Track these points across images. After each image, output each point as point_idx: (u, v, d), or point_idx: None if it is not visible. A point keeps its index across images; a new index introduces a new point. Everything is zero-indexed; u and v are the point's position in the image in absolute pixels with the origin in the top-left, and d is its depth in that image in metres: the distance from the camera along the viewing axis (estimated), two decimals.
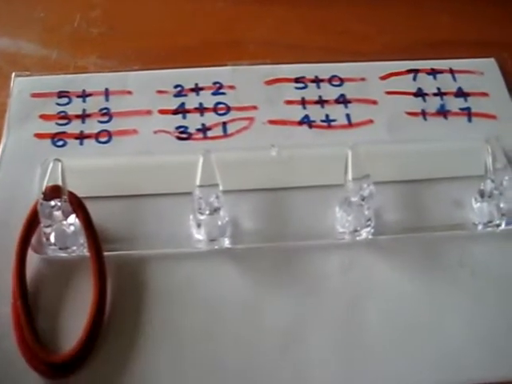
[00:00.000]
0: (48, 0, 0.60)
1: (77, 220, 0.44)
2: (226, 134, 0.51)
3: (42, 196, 0.42)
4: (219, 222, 0.44)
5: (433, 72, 0.55)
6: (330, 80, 0.55)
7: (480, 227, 0.47)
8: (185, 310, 0.43)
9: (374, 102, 0.53)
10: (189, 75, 0.54)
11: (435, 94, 0.54)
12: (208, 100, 0.53)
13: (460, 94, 0.54)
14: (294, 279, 0.45)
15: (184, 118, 0.52)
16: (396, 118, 0.52)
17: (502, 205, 0.46)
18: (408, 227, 0.47)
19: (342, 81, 0.54)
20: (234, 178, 0.46)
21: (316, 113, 0.52)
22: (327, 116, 0.52)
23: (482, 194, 0.47)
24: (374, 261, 0.46)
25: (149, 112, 0.52)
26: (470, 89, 0.55)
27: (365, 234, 0.46)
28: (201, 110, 0.52)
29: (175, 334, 0.42)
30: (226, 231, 0.45)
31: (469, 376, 0.42)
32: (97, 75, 0.54)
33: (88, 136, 0.51)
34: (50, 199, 0.42)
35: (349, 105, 0.53)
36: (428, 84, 0.55)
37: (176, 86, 0.53)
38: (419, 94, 0.54)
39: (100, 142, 0.50)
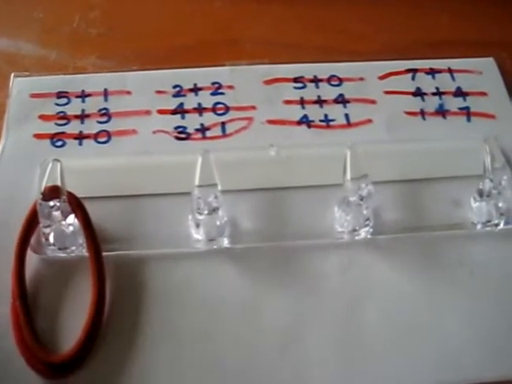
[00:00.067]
0: (47, 0, 0.60)
1: (76, 220, 0.44)
2: (224, 134, 0.51)
3: (41, 196, 0.42)
4: (218, 222, 0.45)
5: (431, 71, 0.55)
6: (328, 80, 0.55)
7: (479, 227, 0.47)
8: (183, 310, 0.43)
9: (373, 102, 0.53)
10: (187, 75, 0.54)
11: (434, 94, 0.54)
12: (207, 100, 0.53)
13: (459, 93, 0.54)
14: (293, 279, 0.45)
15: (183, 118, 0.52)
16: (395, 118, 0.52)
17: (500, 204, 0.46)
18: (407, 227, 0.47)
19: (340, 80, 0.54)
20: (232, 177, 0.46)
21: (315, 112, 0.52)
22: (326, 116, 0.52)
23: (480, 194, 0.47)
24: (373, 260, 0.46)
25: (148, 112, 0.52)
26: (469, 88, 0.55)
27: (364, 233, 0.46)
28: (199, 110, 0.52)
29: (174, 333, 0.42)
30: (224, 231, 0.45)
31: (468, 375, 0.42)
32: (96, 75, 0.54)
33: (87, 136, 0.51)
34: (49, 199, 0.43)
35: (347, 104, 0.53)
36: (427, 83, 0.55)
37: (175, 86, 0.53)
38: (418, 93, 0.54)
39: (99, 142, 0.50)
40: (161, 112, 0.52)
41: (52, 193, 0.43)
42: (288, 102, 0.53)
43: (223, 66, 0.55)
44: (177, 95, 0.53)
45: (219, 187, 0.43)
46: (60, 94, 0.53)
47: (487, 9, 0.60)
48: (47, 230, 0.44)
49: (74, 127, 0.51)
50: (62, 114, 0.52)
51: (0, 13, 0.59)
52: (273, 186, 0.48)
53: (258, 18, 0.59)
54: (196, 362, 0.41)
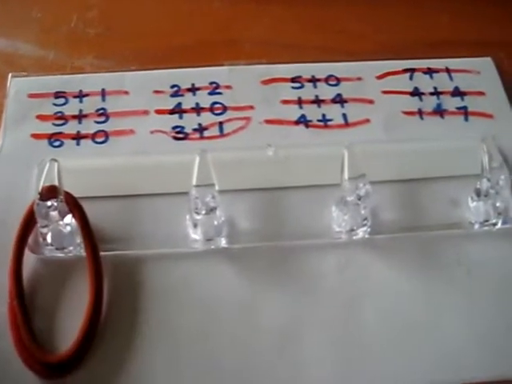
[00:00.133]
0: (45, 0, 0.60)
1: (73, 220, 0.44)
2: (222, 134, 0.51)
3: (38, 196, 0.42)
4: (215, 222, 0.44)
5: (429, 71, 0.55)
6: (326, 79, 0.54)
7: (476, 226, 0.47)
8: (181, 309, 0.43)
9: (371, 102, 0.53)
10: (185, 75, 0.54)
11: (432, 94, 0.54)
12: (204, 100, 0.53)
13: (456, 93, 0.54)
14: (290, 279, 0.45)
15: (181, 117, 0.52)
16: (392, 118, 0.52)
17: (498, 204, 0.46)
18: (405, 226, 0.47)
19: (338, 80, 0.54)
20: (230, 177, 0.47)
21: (312, 112, 0.52)
22: (324, 116, 0.52)
23: (478, 193, 0.47)
24: (370, 260, 0.46)
25: (145, 112, 0.52)
26: (467, 88, 0.55)
27: (361, 233, 0.46)
28: (197, 109, 0.52)
29: (171, 333, 0.42)
30: (222, 231, 0.45)
31: (466, 375, 0.42)
32: (93, 75, 0.54)
33: (85, 136, 0.51)
34: (47, 199, 0.43)
35: (345, 104, 0.53)
36: (424, 83, 0.55)
37: (173, 86, 0.53)
38: (416, 93, 0.54)
39: (97, 143, 0.50)
40: (158, 112, 0.52)
41: (49, 193, 0.43)
42: (286, 102, 0.53)
43: (221, 65, 0.55)
44: (175, 95, 0.53)
45: (217, 187, 0.43)
46: (58, 94, 0.53)
47: (485, 9, 0.60)
48: (45, 230, 0.44)
49: (71, 127, 0.51)
50: (59, 114, 0.52)
51: None
52: (270, 185, 0.48)
53: (256, 18, 0.59)
54: (193, 361, 0.42)
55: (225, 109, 0.52)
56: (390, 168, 0.49)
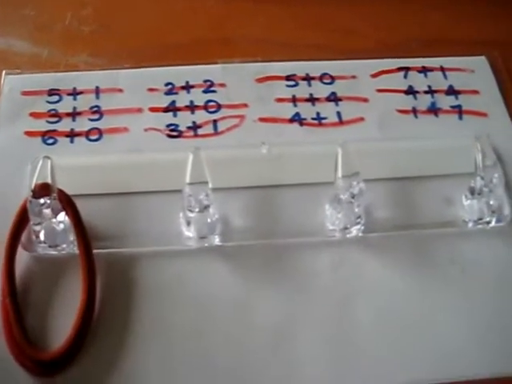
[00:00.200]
0: None
1: (66, 218, 0.44)
2: (216, 132, 0.51)
3: (31, 194, 0.42)
4: (209, 220, 0.44)
5: (424, 70, 0.55)
6: (320, 78, 0.54)
7: (470, 224, 0.47)
8: (175, 307, 0.43)
9: (365, 100, 0.53)
10: (180, 73, 0.54)
11: (426, 92, 0.54)
12: (199, 98, 0.53)
13: (451, 91, 0.54)
14: (284, 277, 0.45)
15: (175, 115, 0.52)
16: (387, 116, 0.52)
17: (491, 202, 0.46)
18: (399, 224, 0.47)
19: (332, 79, 0.54)
20: (224, 175, 0.46)
21: (307, 110, 0.52)
22: (318, 114, 0.52)
23: (472, 192, 0.47)
24: (364, 258, 0.46)
25: (139, 110, 0.52)
26: (461, 86, 0.55)
27: (355, 231, 0.46)
28: (191, 107, 0.52)
29: (165, 331, 0.42)
30: (215, 229, 0.45)
31: (460, 372, 0.42)
32: (88, 73, 0.54)
33: (78, 134, 0.50)
34: (40, 197, 0.42)
35: (340, 102, 0.53)
36: (419, 82, 0.55)
37: (167, 84, 0.53)
38: (410, 91, 0.54)
39: (90, 140, 0.50)
40: (153, 110, 0.52)
41: (42, 190, 0.43)
42: (280, 100, 0.53)
43: (215, 63, 0.55)
44: (169, 93, 0.53)
45: (210, 185, 0.43)
46: (51, 92, 0.53)
47: (479, 7, 0.60)
48: (38, 228, 0.44)
49: (65, 125, 0.51)
50: (53, 112, 0.51)
51: None
52: (264, 183, 0.48)
53: (250, 17, 0.59)
54: (187, 359, 0.41)
55: (219, 107, 0.52)
56: (383, 166, 0.49)
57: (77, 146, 0.50)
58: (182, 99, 0.53)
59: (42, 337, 0.41)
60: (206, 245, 0.45)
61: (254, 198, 0.47)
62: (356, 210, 0.45)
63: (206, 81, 0.54)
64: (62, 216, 0.44)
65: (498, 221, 0.47)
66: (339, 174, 0.44)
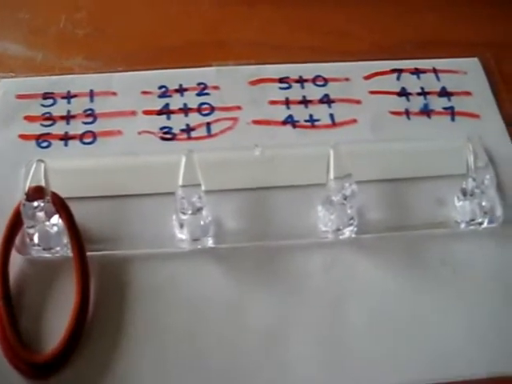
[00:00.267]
0: (33, 2, 0.60)
1: (60, 220, 0.44)
2: (210, 135, 0.51)
3: (24, 197, 0.42)
4: (202, 222, 0.45)
5: (416, 72, 0.56)
6: (314, 80, 0.55)
7: (463, 225, 0.47)
8: (168, 309, 0.43)
9: (358, 102, 0.53)
10: (173, 76, 0.54)
11: (419, 94, 0.54)
12: (192, 100, 0.53)
13: (443, 93, 0.54)
14: (277, 278, 0.45)
15: (168, 118, 0.52)
16: (380, 118, 0.53)
17: (483, 203, 0.46)
18: (391, 226, 0.47)
19: (325, 81, 0.55)
20: (217, 177, 0.47)
21: (300, 113, 0.53)
22: (311, 116, 0.52)
23: (464, 193, 0.47)
24: (356, 259, 0.46)
25: (133, 113, 0.52)
26: (454, 88, 0.55)
27: (348, 232, 0.46)
28: (185, 110, 0.52)
29: (158, 333, 0.42)
30: (208, 231, 0.45)
31: (452, 373, 0.42)
32: (82, 76, 0.54)
33: (72, 137, 0.51)
34: (33, 200, 0.43)
35: (332, 104, 0.53)
36: (412, 83, 0.55)
37: (160, 87, 0.54)
38: (403, 93, 0.54)
39: (84, 143, 0.50)
40: (146, 113, 0.52)
41: (36, 193, 0.43)
42: (273, 103, 0.53)
43: (209, 66, 0.55)
44: (162, 96, 0.53)
45: (203, 187, 0.43)
46: (46, 95, 0.53)
47: (472, 9, 0.60)
48: (31, 231, 0.44)
49: (59, 128, 0.51)
50: (47, 115, 0.52)
51: None
52: (257, 185, 0.48)
53: (244, 20, 0.59)
54: (180, 361, 0.42)
55: (212, 109, 0.53)
56: (376, 168, 0.49)
57: (71, 149, 0.50)
58: (176, 102, 0.53)
59: (36, 339, 0.41)
60: (199, 247, 0.45)
61: (246, 200, 0.48)
62: (348, 211, 0.45)
63: (199, 83, 0.54)
64: (56, 219, 0.44)
65: (490, 222, 0.47)
66: (331, 175, 0.44)
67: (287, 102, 0.53)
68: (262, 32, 0.58)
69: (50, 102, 0.52)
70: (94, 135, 0.51)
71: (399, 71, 0.56)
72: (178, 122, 0.52)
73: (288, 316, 0.43)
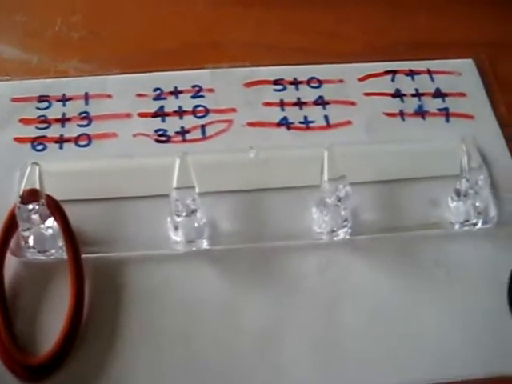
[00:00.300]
0: (29, 5, 0.60)
1: (55, 223, 0.44)
2: (204, 137, 0.51)
3: (19, 200, 0.43)
4: (196, 224, 0.45)
5: (411, 73, 0.56)
6: (308, 82, 0.55)
7: (457, 226, 0.47)
8: (163, 311, 0.43)
9: (353, 104, 0.54)
10: (168, 78, 0.54)
11: (413, 95, 0.54)
12: (187, 103, 0.53)
13: (438, 94, 0.55)
14: (271, 280, 0.45)
15: (163, 121, 0.52)
16: (374, 119, 0.53)
17: (477, 204, 0.47)
18: (385, 227, 0.47)
19: (320, 82, 0.55)
20: (212, 179, 0.47)
21: (294, 114, 0.53)
22: (305, 117, 0.53)
23: (458, 194, 0.47)
24: (351, 261, 0.46)
25: (128, 115, 0.52)
26: (448, 89, 0.55)
27: (342, 234, 0.46)
28: (180, 113, 0.53)
29: (153, 335, 0.42)
30: (203, 233, 0.45)
31: (447, 373, 0.42)
32: (77, 79, 0.54)
33: (68, 140, 0.51)
34: (28, 203, 0.43)
35: (327, 106, 0.53)
36: (406, 85, 0.55)
37: (155, 90, 0.54)
38: (397, 94, 0.54)
39: (79, 146, 0.51)
40: (141, 115, 0.52)
41: (30, 196, 0.43)
42: (268, 105, 0.53)
43: (204, 69, 0.55)
44: (157, 98, 0.53)
45: (197, 189, 0.43)
46: (41, 98, 0.53)
47: (467, 10, 0.61)
48: (26, 234, 0.44)
49: (54, 131, 0.51)
50: (42, 118, 0.52)
51: None
52: (252, 187, 0.48)
53: (239, 21, 0.59)
54: (175, 363, 0.42)
55: (207, 112, 0.53)
56: (370, 169, 0.49)
57: (66, 151, 0.50)
58: (171, 104, 0.53)
59: (31, 342, 0.42)
60: (194, 249, 0.46)
61: (241, 201, 0.48)
62: (342, 212, 0.45)
63: (194, 86, 0.54)
64: (51, 221, 0.44)
65: (484, 222, 0.47)
66: (325, 177, 0.44)
67: (282, 104, 0.53)
68: (256, 34, 0.58)
69: (45, 104, 0.53)
70: (89, 138, 0.51)
71: (393, 73, 0.56)
72: (172, 125, 0.52)
73: (283, 317, 0.43)
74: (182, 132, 0.51)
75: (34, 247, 0.44)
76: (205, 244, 0.46)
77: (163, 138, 0.51)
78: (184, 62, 0.55)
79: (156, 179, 0.47)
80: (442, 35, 0.59)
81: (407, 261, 0.46)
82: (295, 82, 0.55)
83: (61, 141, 0.51)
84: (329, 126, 0.52)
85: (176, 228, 0.45)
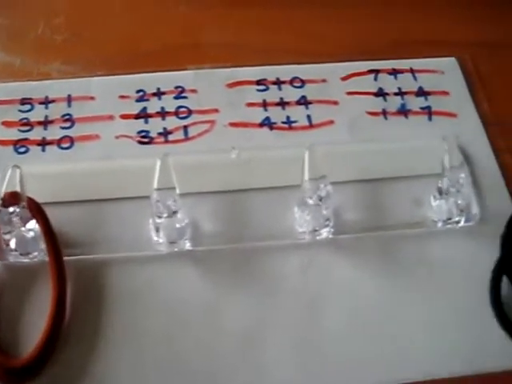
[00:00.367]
0: (12, 7, 0.60)
1: (37, 226, 0.44)
2: (187, 138, 0.51)
3: (0, 203, 0.43)
4: (178, 225, 0.45)
5: (394, 72, 0.56)
6: (291, 82, 0.55)
7: (439, 224, 0.47)
8: (146, 312, 0.43)
9: (335, 103, 0.54)
10: (151, 80, 0.54)
11: (396, 94, 0.55)
12: (170, 104, 0.53)
13: (421, 93, 0.55)
14: (254, 280, 0.45)
15: (146, 122, 0.52)
16: (357, 118, 0.53)
17: (459, 201, 0.47)
18: (368, 226, 0.47)
19: (303, 82, 0.55)
20: (194, 180, 0.47)
21: (277, 114, 0.53)
22: (288, 117, 0.53)
23: (440, 192, 0.47)
24: (334, 260, 0.46)
25: (111, 117, 0.52)
26: (431, 88, 0.55)
27: (325, 233, 0.46)
28: (162, 114, 0.52)
29: (136, 336, 0.42)
30: (185, 233, 0.45)
31: (430, 372, 0.42)
32: (60, 81, 0.54)
33: (50, 142, 0.51)
34: (9, 206, 0.43)
35: (310, 106, 0.53)
36: (389, 84, 0.55)
37: (138, 91, 0.54)
38: (380, 93, 0.54)
39: (62, 148, 0.50)
40: (124, 117, 0.52)
41: (11, 199, 0.43)
42: (250, 105, 0.53)
43: (187, 70, 0.55)
44: (140, 100, 0.53)
45: (178, 190, 0.43)
46: (24, 101, 0.53)
47: (450, 9, 0.61)
48: (8, 236, 0.44)
49: (37, 133, 0.51)
50: (25, 121, 0.52)
51: None
52: (234, 188, 0.48)
53: (221, 22, 0.59)
54: (158, 364, 0.42)
55: (190, 112, 0.53)
56: (352, 168, 0.49)
57: (48, 154, 0.50)
58: (153, 106, 0.53)
59: (14, 345, 0.41)
60: (176, 250, 0.45)
61: (223, 202, 0.48)
62: (324, 212, 0.45)
63: (177, 87, 0.54)
64: (33, 224, 0.44)
65: (467, 220, 0.47)
66: (306, 176, 0.44)
67: (264, 104, 0.53)
68: (238, 34, 0.58)
69: (27, 107, 0.53)
70: (72, 140, 0.51)
71: (376, 72, 0.56)
72: (155, 126, 0.52)
73: (265, 318, 0.43)
74: (165, 133, 0.51)
75: (16, 250, 0.44)
76: (187, 245, 0.46)
77: (146, 140, 0.51)
78: (167, 63, 0.55)
79: (138, 181, 0.47)
80: (425, 34, 0.59)
81: (390, 260, 0.46)
82: (278, 82, 0.55)
83: (43, 143, 0.51)
84: (311, 125, 0.52)
85: (158, 229, 0.45)
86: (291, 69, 0.55)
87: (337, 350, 0.42)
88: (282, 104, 0.53)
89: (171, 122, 0.52)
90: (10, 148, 0.50)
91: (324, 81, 0.55)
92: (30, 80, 0.54)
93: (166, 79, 0.54)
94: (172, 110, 0.53)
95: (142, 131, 0.51)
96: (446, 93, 0.55)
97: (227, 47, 0.57)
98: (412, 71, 0.56)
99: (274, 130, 0.52)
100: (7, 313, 0.43)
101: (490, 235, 0.47)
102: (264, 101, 0.53)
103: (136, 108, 0.53)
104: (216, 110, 0.53)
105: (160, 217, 0.44)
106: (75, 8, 0.60)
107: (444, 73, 0.56)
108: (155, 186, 0.43)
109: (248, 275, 0.45)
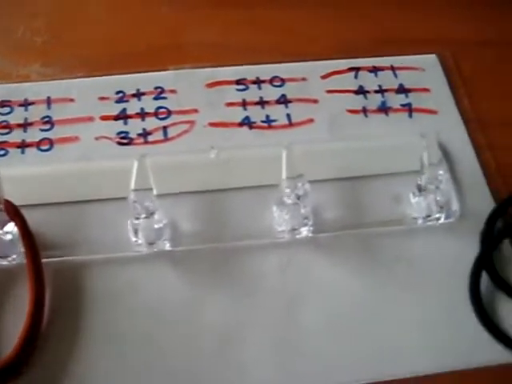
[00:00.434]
0: None
1: (15, 228, 0.44)
2: (166, 138, 0.51)
3: None
4: (156, 226, 0.45)
5: (374, 69, 0.56)
6: (271, 81, 0.55)
7: (420, 221, 0.47)
8: (126, 313, 0.43)
9: (315, 101, 0.54)
10: (130, 81, 0.54)
11: (376, 91, 0.55)
12: (149, 105, 0.53)
13: (401, 90, 0.55)
14: (233, 280, 0.45)
15: (125, 123, 0.52)
16: (337, 116, 0.53)
17: (438, 198, 0.47)
18: (348, 224, 0.47)
19: (283, 81, 0.55)
20: (172, 180, 0.47)
21: (256, 114, 0.53)
22: (267, 116, 0.53)
23: (419, 189, 0.47)
24: (313, 259, 0.46)
25: (91, 119, 0.52)
26: (412, 85, 0.55)
27: (304, 232, 0.46)
28: (142, 114, 0.52)
29: (116, 337, 0.42)
30: (163, 234, 0.45)
31: (411, 369, 0.42)
32: (39, 84, 0.54)
33: (29, 145, 0.51)
34: None
35: (289, 105, 0.53)
36: (369, 81, 0.55)
37: (118, 92, 0.54)
38: (360, 91, 0.54)
39: (42, 150, 0.50)
40: (103, 118, 0.52)
41: None
42: (230, 105, 0.53)
43: (167, 70, 0.55)
44: (120, 101, 0.53)
45: (154, 191, 0.43)
46: (3, 103, 0.53)
47: (430, 6, 0.61)
48: None
49: (16, 136, 0.51)
50: (4, 123, 0.52)
51: None
52: (213, 188, 0.48)
53: (204, 23, 0.59)
54: (138, 364, 0.42)
55: (169, 113, 0.53)
56: (331, 166, 0.49)
57: (28, 156, 0.50)
58: (133, 107, 0.53)
59: None
60: (156, 250, 0.45)
61: (202, 202, 0.48)
62: (302, 211, 0.45)
63: (156, 88, 0.54)
64: (11, 227, 0.44)
65: (447, 217, 0.47)
66: (284, 175, 0.44)
67: (244, 104, 0.53)
68: (219, 34, 0.58)
69: (6, 110, 0.53)
70: (51, 142, 0.51)
71: (356, 69, 0.56)
72: (134, 127, 0.52)
73: (244, 317, 0.43)
74: (144, 134, 0.51)
75: None
76: (167, 245, 0.46)
77: (125, 141, 0.51)
78: (148, 63, 0.55)
79: (117, 182, 0.46)
80: (405, 32, 0.59)
81: (370, 258, 0.46)
82: (258, 82, 0.55)
83: (23, 146, 0.51)
84: (291, 124, 0.52)
85: (136, 230, 0.45)
86: (271, 68, 0.55)
87: (316, 349, 0.42)
88: (262, 103, 0.53)
89: (151, 123, 0.52)
90: None
91: (304, 79, 0.55)
92: (9, 82, 0.54)
93: (145, 80, 0.54)
94: (151, 110, 0.53)
95: (122, 132, 0.51)
96: (426, 90, 0.55)
97: (209, 47, 0.57)
98: (392, 68, 0.56)
99: (253, 130, 0.52)
100: None
101: (471, 232, 0.47)
102: (244, 100, 0.53)
103: (115, 109, 0.53)
104: (195, 111, 0.53)
105: (138, 218, 0.44)
106: (55, 10, 0.60)
107: (425, 70, 0.56)
108: (132, 187, 0.43)
109: (227, 275, 0.45)
